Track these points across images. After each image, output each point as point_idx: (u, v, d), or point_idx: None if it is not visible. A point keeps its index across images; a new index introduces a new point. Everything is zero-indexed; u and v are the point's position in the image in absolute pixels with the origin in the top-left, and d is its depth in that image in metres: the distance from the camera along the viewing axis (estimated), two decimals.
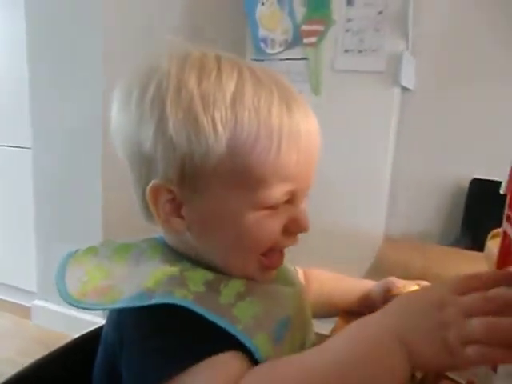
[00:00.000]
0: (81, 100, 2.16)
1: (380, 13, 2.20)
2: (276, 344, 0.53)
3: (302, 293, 0.68)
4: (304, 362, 0.46)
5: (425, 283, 0.86)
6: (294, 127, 0.54)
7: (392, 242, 1.63)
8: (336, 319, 0.88)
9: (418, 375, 0.54)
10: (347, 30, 2.28)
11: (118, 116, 0.57)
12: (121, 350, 0.53)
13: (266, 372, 0.47)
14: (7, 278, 2.71)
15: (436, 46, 2.42)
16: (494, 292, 0.42)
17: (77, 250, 0.61)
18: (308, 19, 2.35)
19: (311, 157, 0.57)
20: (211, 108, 0.51)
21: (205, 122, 0.51)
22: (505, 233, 0.62)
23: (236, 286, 0.55)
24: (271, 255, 0.58)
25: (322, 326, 0.80)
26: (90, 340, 0.71)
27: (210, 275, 0.55)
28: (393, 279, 0.86)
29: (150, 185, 0.54)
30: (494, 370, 0.50)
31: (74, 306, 0.54)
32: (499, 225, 0.65)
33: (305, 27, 2.36)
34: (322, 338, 0.65)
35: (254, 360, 0.50)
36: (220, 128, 0.51)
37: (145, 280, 0.53)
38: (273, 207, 0.55)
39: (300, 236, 0.60)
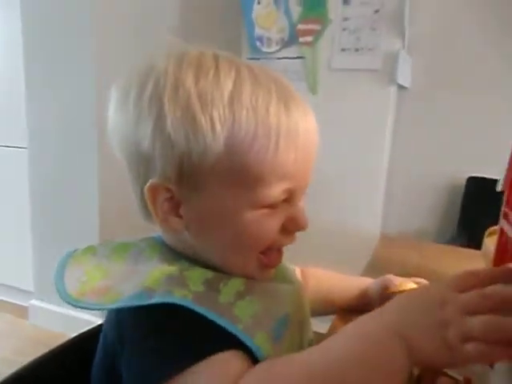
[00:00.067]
0: (76, 100, 2.16)
1: (376, 11, 2.21)
2: (275, 342, 0.53)
3: (301, 290, 0.68)
4: (304, 361, 0.46)
5: (421, 281, 0.86)
6: (292, 126, 0.54)
7: (388, 240, 1.63)
8: (333, 317, 0.88)
9: (416, 372, 0.54)
10: (344, 29, 2.28)
11: (116, 115, 0.57)
12: (121, 349, 0.53)
13: (265, 371, 0.47)
14: (4, 278, 2.70)
15: (432, 44, 2.43)
16: (491, 289, 0.42)
17: (75, 250, 0.60)
18: (304, 18, 2.35)
19: (309, 155, 0.57)
20: (209, 107, 0.51)
21: (203, 120, 0.51)
22: (502, 230, 0.62)
23: (235, 284, 0.55)
24: (270, 253, 0.58)
25: (320, 325, 0.80)
26: (88, 339, 0.71)
27: (209, 274, 0.55)
28: (390, 277, 0.86)
29: (148, 184, 0.54)
30: (491, 366, 0.51)
31: (73, 305, 0.53)
32: (495, 223, 0.65)
33: (301, 26, 2.36)
34: (319, 337, 0.66)
35: (253, 359, 0.50)
36: (218, 126, 0.51)
37: (144, 279, 0.52)
38: (271, 206, 0.55)
39: (297, 234, 0.60)
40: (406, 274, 0.89)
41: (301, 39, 2.37)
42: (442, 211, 2.56)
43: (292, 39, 2.39)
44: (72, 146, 2.22)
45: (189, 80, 0.52)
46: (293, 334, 0.59)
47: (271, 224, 0.56)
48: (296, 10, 2.36)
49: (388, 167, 2.50)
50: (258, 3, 2.41)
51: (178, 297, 0.50)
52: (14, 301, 2.69)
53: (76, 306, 0.53)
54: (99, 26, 2.10)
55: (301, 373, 0.44)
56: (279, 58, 2.41)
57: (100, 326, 0.68)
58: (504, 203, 0.62)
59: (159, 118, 0.52)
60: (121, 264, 0.57)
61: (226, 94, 0.52)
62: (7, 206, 2.63)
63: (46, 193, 2.35)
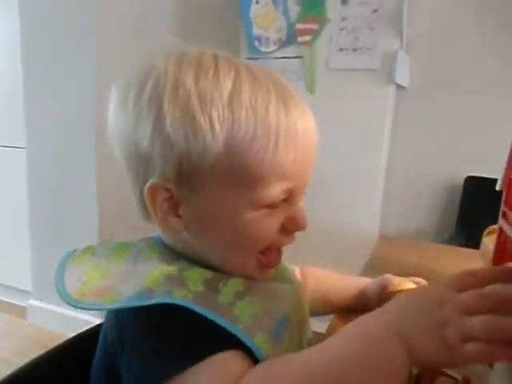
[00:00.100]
0: (75, 100, 2.15)
1: (375, 11, 2.21)
2: (275, 342, 0.53)
3: (300, 290, 0.68)
4: (304, 360, 0.46)
5: (420, 280, 0.86)
6: (291, 125, 0.54)
7: (387, 239, 1.63)
8: (331, 317, 0.88)
9: (414, 371, 0.54)
10: (342, 29, 2.28)
11: (115, 115, 0.57)
12: (121, 349, 0.53)
13: (265, 371, 0.47)
14: (2, 278, 2.70)
15: (430, 44, 2.43)
16: (489, 289, 0.42)
17: (75, 250, 0.60)
18: (302, 18, 2.35)
19: (308, 155, 0.57)
20: (208, 107, 0.51)
21: (202, 120, 0.51)
22: (501, 229, 0.62)
23: (235, 284, 0.55)
24: (269, 253, 0.58)
25: (319, 325, 0.80)
26: (86, 339, 0.71)
27: (208, 274, 0.55)
28: (389, 276, 0.86)
29: (148, 184, 0.54)
30: (491, 365, 0.51)
31: (73, 306, 0.53)
32: (494, 222, 0.65)
33: (299, 26, 2.36)
34: (318, 336, 0.66)
35: (253, 359, 0.50)
36: (217, 127, 0.51)
37: (143, 280, 0.52)
38: (270, 206, 0.55)
39: (295, 234, 0.60)
40: (405, 273, 0.89)
41: (299, 39, 2.37)
42: (440, 211, 2.56)
43: (290, 39, 2.39)
44: (71, 146, 2.22)
45: (189, 80, 0.52)
46: (292, 333, 0.59)
47: (271, 224, 0.56)
48: (294, 10, 2.36)
49: (386, 167, 2.50)
50: (256, 3, 2.41)
51: (178, 297, 0.50)
52: (12, 301, 2.69)
53: (76, 307, 0.53)
54: (99, 26, 2.10)
55: (301, 372, 0.44)
56: (277, 58, 2.42)
57: (98, 326, 0.68)
58: (503, 203, 0.62)
59: (158, 118, 0.52)
60: (120, 264, 0.57)
61: (226, 94, 0.52)
62: (5, 206, 2.63)
63: (45, 193, 2.34)
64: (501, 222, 0.62)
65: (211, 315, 0.49)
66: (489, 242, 0.93)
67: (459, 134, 2.43)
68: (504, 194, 0.62)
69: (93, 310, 0.54)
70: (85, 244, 0.61)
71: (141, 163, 0.55)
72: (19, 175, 2.39)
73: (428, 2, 2.38)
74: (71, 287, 0.55)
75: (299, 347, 0.61)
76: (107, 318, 0.60)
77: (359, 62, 2.28)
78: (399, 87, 2.39)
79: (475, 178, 2.38)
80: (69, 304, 0.53)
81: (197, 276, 0.54)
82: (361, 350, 0.44)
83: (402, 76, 2.32)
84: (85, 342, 0.71)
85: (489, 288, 0.42)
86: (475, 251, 1.09)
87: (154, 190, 0.54)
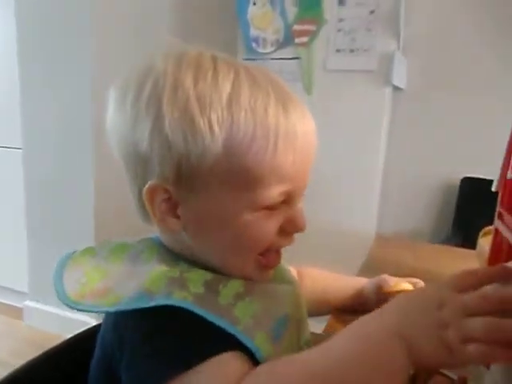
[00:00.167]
0: (72, 100, 2.15)
1: (372, 12, 2.21)
2: (275, 343, 0.53)
3: (299, 290, 0.68)
4: (305, 362, 0.46)
5: (416, 281, 0.87)
6: (291, 128, 0.53)
7: (384, 240, 1.63)
8: (329, 317, 0.89)
9: (411, 371, 0.55)
10: (339, 30, 2.29)
11: (114, 116, 0.57)
12: (120, 350, 0.53)
13: (266, 373, 0.47)
14: None
15: (427, 45, 2.43)
16: (490, 290, 0.42)
17: (74, 252, 0.60)
18: (300, 19, 2.35)
19: (307, 157, 0.57)
20: (207, 109, 0.51)
21: (201, 123, 0.51)
22: (496, 230, 0.62)
23: (235, 286, 0.55)
24: (268, 255, 0.58)
25: (316, 325, 0.80)
26: (83, 340, 0.71)
27: (208, 275, 0.55)
28: (385, 277, 0.87)
29: (147, 185, 0.53)
30: (487, 366, 0.51)
31: (71, 308, 0.53)
32: (490, 223, 0.66)
33: (296, 27, 2.36)
34: (316, 337, 0.66)
35: (254, 360, 0.50)
36: (216, 128, 0.51)
37: (143, 281, 0.52)
38: (270, 207, 0.55)
39: (294, 235, 0.60)
40: (402, 273, 0.89)
41: (296, 40, 2.37)
42: (436, 211, 2.57)
43: (287, 40, 2.39)
44: (68, 146, 2.22)
45: (188, 81, 0.52)
46: (291, 333, 0.59)
47: (270, 226, 0.56)
48: (291, 11, 2.36)
49: (383, 168, 2.50)
50: (254, 4, 2.42)
51: (178, 299, 0.50)
52: (8, 302, 2.68)
53: (75, 309, 0.53)
54: (99, 26, 2.10)
55: (302, 373, 0.44)
56: (274, 59, 2.42)
57: (95, 326, 0.68)
58: (499, 204, 0.62)
59: (157, 119, 0.52)
60: (119, 265, 0.57)
61: (225, 95, 0.52)
62: (2, 206, 2.62)
63: (42, 193, 2.34)
64: (496, 222, 0.62)
65: (211, 317, 0.49)
66: (485, 242, 0.93)
67: (456, 135, 2.44)
68: (500, 195, 0.62)
69: (92, 312, 0.54)
70: (82, 244, 0.61)
71: (139, 164, 0.54)
72: (16, 176, 2.38)
73: (425, 3, 2.39)
74: (70, 289, 0.55)
75: (297, 346, 0.61)
76: (106, 319, 0.60)
77: (356, 63, 2.28)
78: (396, 88, 2.40)
79: (471, 178, 2.39)
80: (67, 306, 0.53)
81: (197, 277, 0.54)
82: (361, 350, 0.44)
83: (399, 77, 2.32)
84: (82, 342, 0.71)
85: (489, 289, 0.42)
86: (471, 252, 1.09)
87: (152, 190, 0.54)
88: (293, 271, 0.80)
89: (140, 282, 0.52)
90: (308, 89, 2.37)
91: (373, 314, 0.47)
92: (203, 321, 0.49)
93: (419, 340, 0.42)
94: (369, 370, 0.43)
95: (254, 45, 2.46)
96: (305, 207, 0.60)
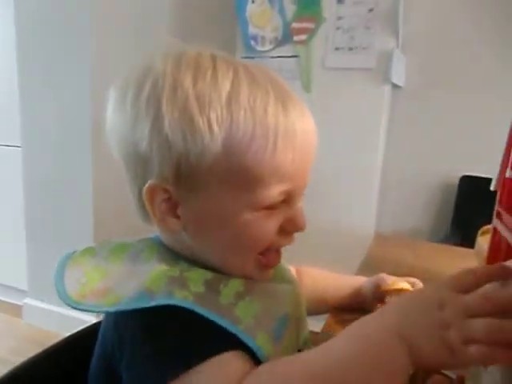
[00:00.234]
0: (72, 99, 2.15)
1: (370, 10, 2.21)
2: (276, 342, 0.53)
3: (299, 290, 0.68)
4: (305, 362, 0.46)
5: (414, 280, 0.87)
6: (290, 126, 0.53)
7: (382, 239, 1.63)
8: (327, 316, 0.89)
9: (410, 371, 0.55)
10: (338, 28, 2.28)
11: (113, 116, 0.57)
12: (120, 351, 0.53)
13: (267, 372, 0.47)
14: None
15: (426, 43, 2.43)
16: (489, 289, 0.42)
17: (74, 251, 0.60)
18: (298, 17, 2.35)
19: (307, 156, 0.56)
20: (207, 108, 0.51)
21: (200, 122, 0.51)
22: (495, 229, 0.62)
23: (235, 285, 0.55)
24: (268, 254, 0.58)
25: (316, 324, 0.80)
26: (83, 338, 0.71)
27: (208, 275, 0.55)
28: (383, 275, 0.87)
29: (147, 185, 0.53)
30: (485, 366, 0.51)
31: (73, 307, 0.53)
32: (489, 221, 0.66)
33: (295, 25, 2.36)
34: (314, 336, 0.66)
35: (255, 359, 0.50)
36: (215, 128, 0.51)
37: (143, 281, 0.52)
38: (270, 207, 0.54)
39: (294, 235, 0.60)
40: (400, 272, 0.89)
41: (295, 38, 2.37)
42: (435, 210, 2.57)
43: (286, 38, 2.39)
44: (67, 145, 2.21)
45: (187, 81, 0.52)
46: (291, 332, 0.59)
47: (270, 225, 0.55)
48: (290, 9, 2.36)
49: (382, 166, 2.50)
50: (252, 2, 2.41)
51: (179, 298, 0.50)
52: (8, 300, 2.68)
53: (76, 309, 0.53)
54: (99, 26, 2.10)
55: (302, 373, 0.44)
56: (273, 57, 2.42)
57: (95, 324, 0.68)
58: (497, 203, 0.62)
59: (157, 119, 0.52)
60: (119, 265, 0.57)
61: (224, 94, 0.52)
62: (1, 204, 2.62)
63: (41, 192, 2.34)
64: (495, 221, 0.62)
65: (213, 316, 0.49)
66: (483, 241, 0.94)
67: (455, 133, 2.44)
68: (498, 194, 0.62)
69: (93, 311, 0.54)
70: (81, 243, 0.61)
71: (139, 163, 0.54)
72: (16, 174, 2.38)
73: (424, 1, 2.39)
74: (71, 288, 0.55)
75: (297, 345, 0.62)
76: (106, 318, 0.60)
77: (355, 61, 2.28)
78: (395, 86, 2.40)
79: (470, 177, 2.39)
80: (69, 305, 0.53)
81: (197, 277, 0.54)
82: (361, 350, 0.44)
83: (398, 75, 2.32)
84: (82, 340, 0.71)
85: (488, 288, 0.42)
86: (470, 250, 1.09)
87: (152, 190, 0.54)
88: (292, 270, 0.80)
89: (140, 282, 0.52)
90: (307, 87, 2.37)
91: (373, 314, 0.47)
92: (203, 320, 0.49)
93: (420, 340, 0.42)
94: (369, 370, 0.43)
95: (252, 43, 2.46)
96: (303, 206, 0.60)
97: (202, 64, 0.54)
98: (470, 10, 2.33)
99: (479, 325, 0.40)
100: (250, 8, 2.43)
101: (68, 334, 0.73)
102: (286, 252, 0.65)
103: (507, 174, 0.59)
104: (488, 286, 0.43)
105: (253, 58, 2.42)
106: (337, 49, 2.30)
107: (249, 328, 0.51)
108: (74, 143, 2.18)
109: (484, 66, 2.35)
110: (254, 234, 0.55)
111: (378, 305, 0.83)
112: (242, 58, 2.36)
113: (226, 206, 0.54)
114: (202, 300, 0.50)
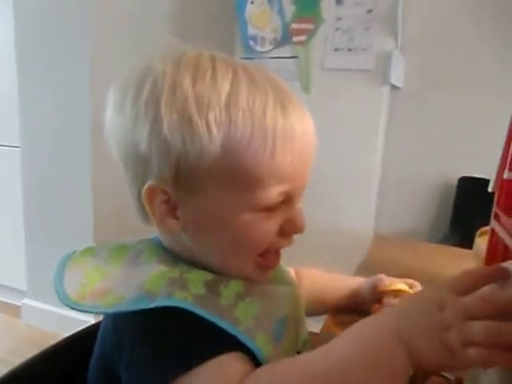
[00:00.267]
0: (70, 100, 2.15)
1: (369, 11, 2.21)
2: (276, 344, 0.53)
3: (298, 291, 0.68)
4: (305, 363, 0.46)
5: (413, 282, 0.87)
6: (289, 127, 0.53)
7: (381, 239, 1.63)
8: (326, 317, 0.89)
9: (410, 372, 0.55)
10: (337, 29, 2.29)
11: (113, 116, 0.57)
12: (118, 353, 0.53)
13: (267, 373, 0.47)
14: None
15: (425, 44, 2.43)
16: (488, 291, 0.42)
17: (74, 252, 0.60)
18: (297, 17, 2.35)
19: (306, 157, 0.56)
20: (205, 110, 0.51)
21: (199, 123, 0.51)
22: (493, 230, 0.62)
23: (235, 286, 0.55)
24: (267, 255, 0.58)
25: (315, 325, 0.80)
26: (82, 339, 0.71)
27: (208, 276, 0.55)
28: (381, 276, 0.87)
29: (146, 186, 0.53)
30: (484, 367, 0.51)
31: (72, 308, 0.53)
32: (487, 222, 0.66)
33: (294, 25, 2.36)
34: (313, 337, 0.66)
35: (255, 361, 0.50)
36: (214, 129, 0.51)
37: (143, 282, 0.52)
38: (269, 208, 0.54)
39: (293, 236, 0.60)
40: (399, 273, 0.89)
41: (294, 38, 2.37)
42: (434, 211, 2.57)
43: (285, 38, 2.39)
44: (66, 145, 2.21)
45: (186, 82, 0.52)
46: (290, 333, 0.59)
47: (269, 227, 0.55)
48: (289, 10, 2.36)
49: (381, 167, 2.50)
50: (252, 3, 2.41)
51: (179, 299, 0.50)
52: (6, 300, 2.68)
53: (76, 309, 0.53)
54: (98, 26, 2.10)
55: (303, 375, 0.45)
56: (272, 58, 2.41)
57: (94, 325, 0.68)
58: (495, 204, 0.62)
59: (156, 121, 0.52)
60: (119, 266, 0.57)
61: (223, 96, 0.52)
62: (1, 205, 2.62)
63: (40, 192, 2.34)
64: (493, 223, 0.62)
65: (213, 317, 0.49)
66: (481, 242, 0.94)
67: (453, 134, 2.44)
68: (496, 195, 0.62)
69: (93, 312, 0.54)
70: (80, 243, 0.61)
71: (139, 164, 0.54)
72: (14, 174, 2.38)
73: (423, 2, 2.39)
74: (71, 289, 0.55)
75: (296, 346, 0.62)
76: (105, 318, 0.60)
77: (354, 62, 2.28)
78: (394, 87, 2.40)
79: (469, 178, 2.39)
80: (68, 306, 0.53)
81: (197, 278, 0.54)
82: (362, 352, 0.44)
83: (397, 76, 2.32)
84: (81, 341, 0.71)
85: (486, 289, 0.42)
86: (468, 251, 1.09)
87: (151, 191, 0.54)
88: (291, 272, 0.80)
89: (140, 283, 0.52)
90: (306, 88, 2.37)
91: (373, 316, 0.48)
92: (203, 321, 0.49)
93: (419, 342, 0.42)
94: (369, 371, 0.43)
95: (251, 43, 2.46)
96: (302, 207, 0.60)
97: (201, 65, 0.54)
98: (469, 11, 2.33)
99: (478, 327, 0.40)
100: (250, 9, 2.43)
101: (67, 334, 0.73)
102: (286, 252, 0.65)
103: (505, 176, 0.59)
104: (487, 288, 0.43)
105: (252, 58, 2.42)
106: (336, 50, 2.30)
107: (249, 329, 0.51)
108: (73, 143, 2.18)
109: (483, 66, 2.35)
110: (254, 235, 0.55)
111: (376, 305, 0.83)
112: (241, 58, 2.36)
113: (225, 207, 0.54)
114: (202, 301, 0.50)
